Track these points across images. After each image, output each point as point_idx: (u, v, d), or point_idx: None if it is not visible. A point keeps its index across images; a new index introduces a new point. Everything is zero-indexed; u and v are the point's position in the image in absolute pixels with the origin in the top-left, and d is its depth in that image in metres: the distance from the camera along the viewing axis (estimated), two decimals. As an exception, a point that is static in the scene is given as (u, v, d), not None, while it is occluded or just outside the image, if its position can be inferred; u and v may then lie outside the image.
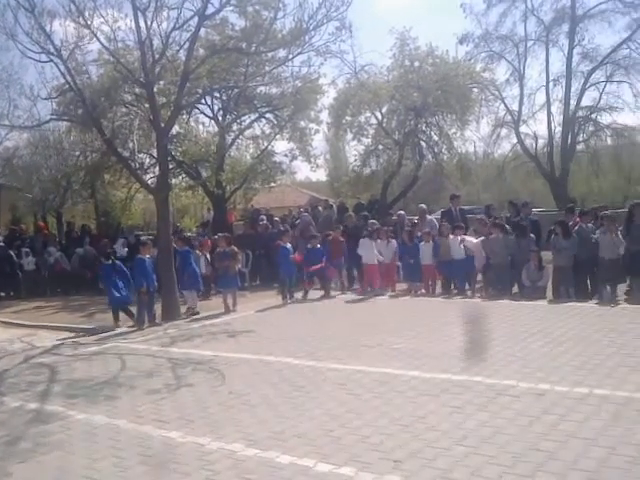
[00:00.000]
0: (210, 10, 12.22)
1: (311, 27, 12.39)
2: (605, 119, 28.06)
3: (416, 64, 21.37)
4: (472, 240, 12.51)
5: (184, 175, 20.54)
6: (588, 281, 11.61)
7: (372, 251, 13.35)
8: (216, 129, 19.59)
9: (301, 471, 4.59)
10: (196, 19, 12.14)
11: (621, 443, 4.69)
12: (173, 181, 19.78)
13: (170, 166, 17.85)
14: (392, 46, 21.63)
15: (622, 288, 11.43)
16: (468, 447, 4.77)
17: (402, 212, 16.14)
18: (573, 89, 27.10)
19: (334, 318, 10.97)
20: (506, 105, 27.64)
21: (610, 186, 37.85)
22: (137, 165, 17.81)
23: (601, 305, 10.53)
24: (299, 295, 13.28)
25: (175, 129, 17.49)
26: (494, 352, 7.70)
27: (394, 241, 13.64)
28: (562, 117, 27.20)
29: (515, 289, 12.29)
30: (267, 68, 17.83)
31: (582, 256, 11.30)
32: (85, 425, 5.92)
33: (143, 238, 14.29)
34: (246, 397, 6.43)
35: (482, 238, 12.41)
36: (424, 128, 22.13)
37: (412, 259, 13.19)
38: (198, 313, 12.02)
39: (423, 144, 22.23)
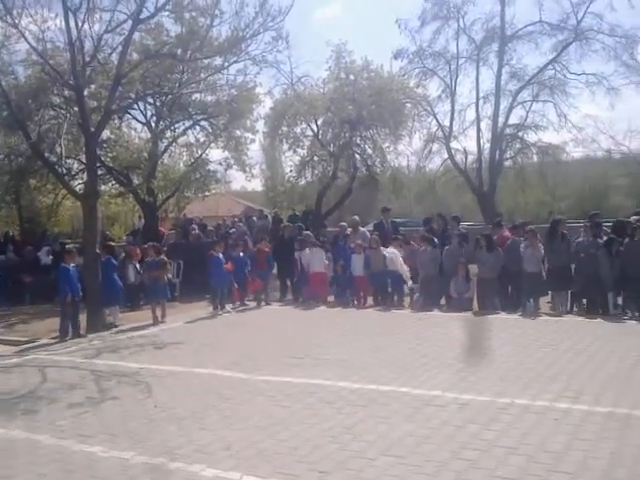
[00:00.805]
0: (145, 14, 12.03)
1: (247, 36, 12.39)
2: (531, 137, 29.07)
3: (351, 77, 21.61)
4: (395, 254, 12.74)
5: (114, 182, 19.99)
6: (515, 293, 11.99)
7: (322, 260, 13.60)
8: (149, 135, 19.20)
9: (226, 484, 4.54)
10: (130, 22, 11.91)
11: (540, 451, 4.85)
12: (102, 187, 19.22)
13: (99, 172, 17.37)
14: (328, 58, 21.84)
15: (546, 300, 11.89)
16: (394, 457, 4.83)
17: (344, 223, 16.16)
18: (502, 107, 27.99)
19: (265, 329, 10.91)
20: (438, 121, 28.28)
21: (535, 202, 39.34)
22: (64, 170, 17.25)
23: (524, 317, 10.90)
24: (231, 306, 13.14)
25: (106, 134, 17.04)
26: (421, 363, 7.84)
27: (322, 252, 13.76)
28: (491, 134, 28.05)
29: (444, 301, 12.57)
30: (202, 75, 17.62)
31: (512, 269, 11.66)
32: (2, 441, 5.66)
33: (69, 246, 13.82)
34: (172, 410, 6.31)
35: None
36: (358, 141, 22.37)
37: (346, 289, 13.44)
38: (117, 326, 11.66)
39: (357, 157, 22.47)
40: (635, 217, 12.41)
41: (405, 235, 14.25)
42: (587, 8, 25.97)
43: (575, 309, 11.43)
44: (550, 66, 27.49)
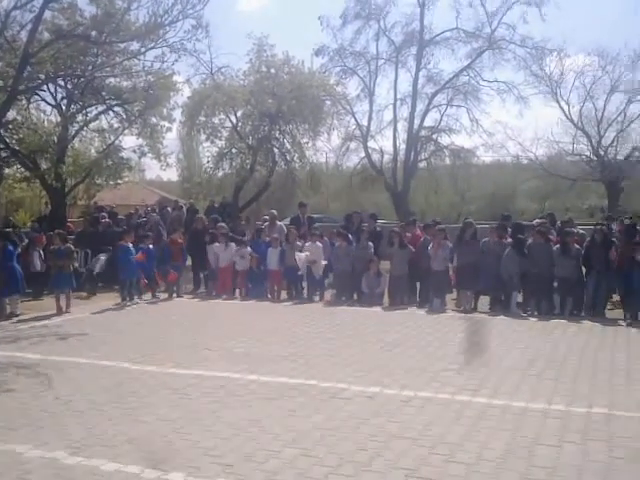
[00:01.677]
0: (57, -8, 11.55)
1: (166, 22, 12.13)
2: (444, 140, 30.08)
3: (272, 71, 21.61)
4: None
5: (19, 165, 19.05)
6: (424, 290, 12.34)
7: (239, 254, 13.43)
8: (58, 119, 18.45)
9: (127, 479, 4.43)
10: (41, 0, 11.38)
11: (439, 442, 5.03)
12: (6, 171, 18.39)
13: (3, 155, 16.59)
14: (249, 51, 21.76)
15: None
16: (298, 449, 4.88)
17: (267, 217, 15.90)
18: (418, 109, 28.74)
19: (176, 322, 10.70)
20: (356, 120, 28.70)
21: (447, 203, 40.70)
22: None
23: (431, 313, 11.25)
24: (141, 297, 12.82)
25: (12, 115, 16.26)
26: (330, 356, 7.93)
27: (233, 244, 13.62)
28: (407, 135, 28.74)
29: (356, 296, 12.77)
30: (118, 59, 17.11)
31: (422, 266, 11.97)
32: None
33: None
34: (74, 403, 6.09)
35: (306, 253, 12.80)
36: (278, 135, 22.42)
37: (259, 283, 13.34)
38: (17, 316, 11.13)
39: (276, 151, 22.49)
40: (538, 220, 13.05)
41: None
42: (501, 18, 27.15)
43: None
44: (464, 72, 28.51)
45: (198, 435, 5.20)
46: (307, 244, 13.05)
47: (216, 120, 21.76)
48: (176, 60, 14.42)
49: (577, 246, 11.19)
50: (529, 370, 7.25)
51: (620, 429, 5.31)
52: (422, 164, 30.36)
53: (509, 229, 12.28)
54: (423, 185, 33.56)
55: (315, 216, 19.02)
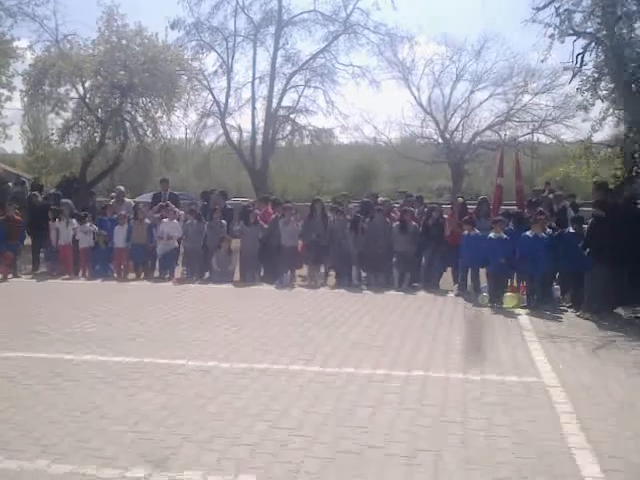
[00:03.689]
0: None
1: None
2: (302, 120, 30.56)
3: (123, 42, 20.68)
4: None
5: None
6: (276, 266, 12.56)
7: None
8: None
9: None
10: None
11: (266, 410, 5.22)
12: None
13: None
14: (98, 19, 20.64)
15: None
16: (138, 433, 4.77)
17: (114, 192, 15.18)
18: (276, 89, 28.92)
19: (8, 303, 10.13)
20: (214, 96, 28.39)
21: (307, 182, 41.48)
22: None
23: (279, 288, 11.54)
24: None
25: None
26: (175, 334, 7.92)
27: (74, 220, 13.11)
28: (265, 114, 28.85)
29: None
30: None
31: (273, 243, 12.21)
32: None
33: None
34: None
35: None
36: (129, 108, 21.57)
37: (106, 262, 13.01)
38: None
39: (128, 125, 21.65)
40: (382, 199, 13.74)
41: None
42: (356, 3, 27.91)
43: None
44: (321, 55, 29.07)
45: (28, 424, 4.93)
46: (164, 220, 12.82)
47: (62, 90, 20.50)
48: (12, 25, 13.50)
49: (414, 223, 11.94)
50: (362, 340, 7.69)
51: (433, 388, 5.83)
52: (283, 143, 30.67)
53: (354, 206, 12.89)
54: (284, 164, 33.92)
55: (177, 193, 18.62)
